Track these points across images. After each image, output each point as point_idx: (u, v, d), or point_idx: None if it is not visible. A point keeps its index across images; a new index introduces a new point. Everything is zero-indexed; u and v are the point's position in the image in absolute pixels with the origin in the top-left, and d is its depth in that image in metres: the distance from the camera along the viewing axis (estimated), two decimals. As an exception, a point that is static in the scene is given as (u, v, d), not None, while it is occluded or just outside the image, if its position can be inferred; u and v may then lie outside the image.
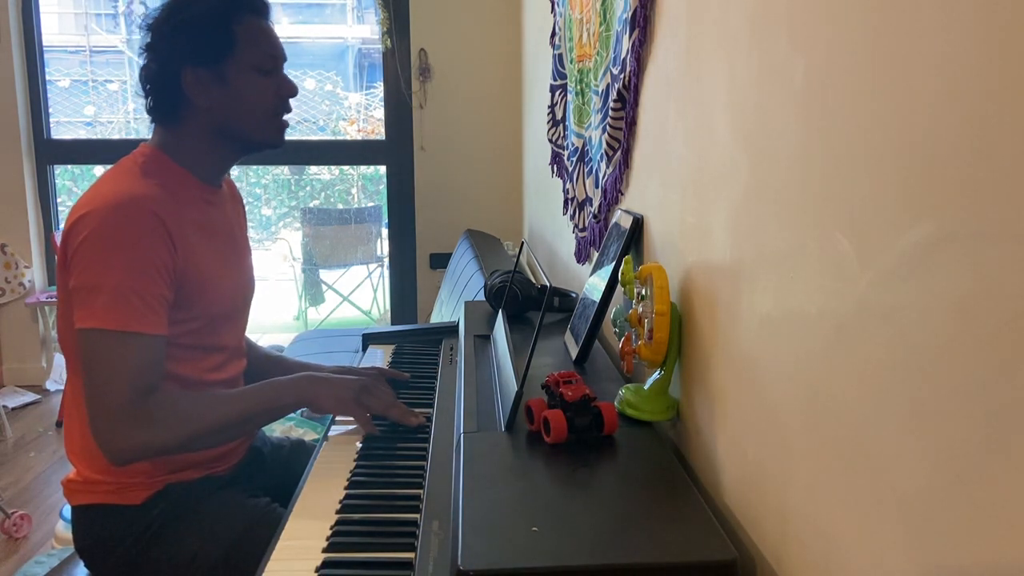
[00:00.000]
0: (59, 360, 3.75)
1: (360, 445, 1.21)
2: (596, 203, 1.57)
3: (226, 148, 1.31)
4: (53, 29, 6.14)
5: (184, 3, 1.24)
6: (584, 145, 1.71)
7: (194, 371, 1.28)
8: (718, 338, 0.91)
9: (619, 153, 1.37)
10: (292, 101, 1.32)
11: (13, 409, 3.42)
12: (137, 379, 1.13)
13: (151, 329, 1.15)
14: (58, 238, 2.68)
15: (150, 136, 1.32)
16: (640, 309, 1.01)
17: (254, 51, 1.26)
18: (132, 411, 1.12)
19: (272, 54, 1.29)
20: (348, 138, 6.32)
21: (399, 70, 3.67)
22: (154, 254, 1.16)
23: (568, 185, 1.93)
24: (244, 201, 1.50)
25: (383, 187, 4.20)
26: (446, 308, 2.62)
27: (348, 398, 1.24)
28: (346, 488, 1.08)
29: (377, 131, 5.67)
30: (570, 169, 1.89)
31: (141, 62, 1.27)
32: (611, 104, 1.36)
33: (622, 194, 1.38)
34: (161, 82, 1.25)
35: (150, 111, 1.29)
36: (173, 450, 1.18)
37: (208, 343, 1.30)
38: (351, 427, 1.28)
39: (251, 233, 1.53)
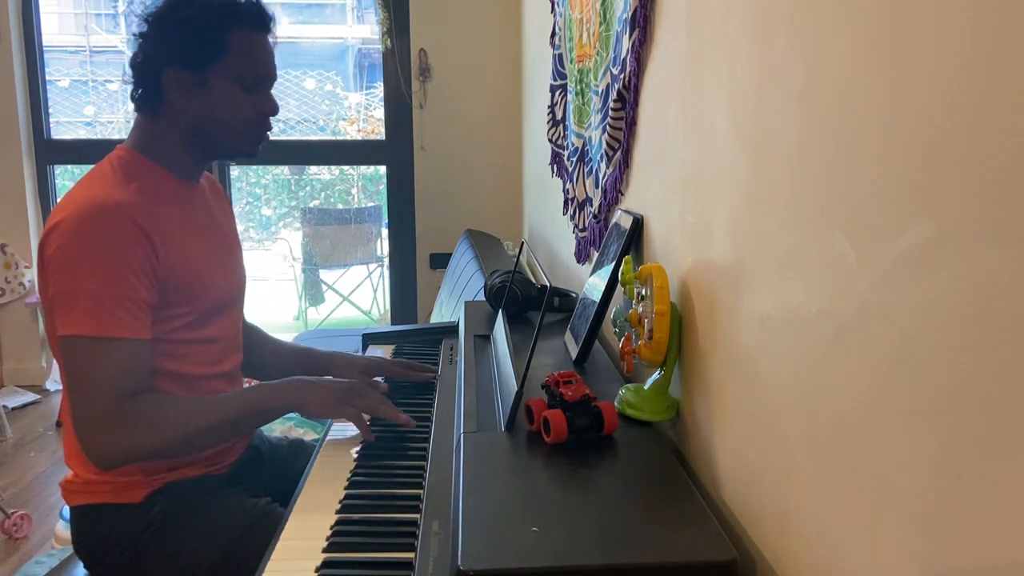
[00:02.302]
0: (59, 360, 3.74)
1: (360, 445, 1.21)
2: (596, 203, 1.57)
3: (199, 150, 1.31)
4: (53, 29, 6.14)
5: (185, 2, 1.23)
6: (584, 145, 1.71)
7: (191, 366, 1.28)
8: (718, 338, 0.91)
9: (619, 153, 1.37)
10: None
11: (13, 409, 3.42)
12: (119, 384, 1.13)
13: (131, 333, 1.15)
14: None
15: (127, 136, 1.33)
16: (640, 309, 1.01)
17: (242, 63, 1.25)
18: (115, 416, 1.12)
19: (259, 72, 1.27)
20: (348, 138, 6.32)
21: (399, 70, 3.67)
22: (131, 258, 1.15)
23: (568, 185, 1.93)
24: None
25: (383, 187, 4.20)
26: (446, 308, 2.62)
27: (334, 400, 1.24)
28: (346, 488, 1.08)
29: (377, 131, 5.67)
30: (570, 169, 1.89)
31: (131, 49, 1.27)
32: (611, 104, 1.36)
33: (622, 194, 1.38)
34: (144, 75, 1.25)
35: (133, 99, 1.29)
36: (161, 454, 1.18)
37: (201, 336, 1.29)
38: (351, 427, 1.28)
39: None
